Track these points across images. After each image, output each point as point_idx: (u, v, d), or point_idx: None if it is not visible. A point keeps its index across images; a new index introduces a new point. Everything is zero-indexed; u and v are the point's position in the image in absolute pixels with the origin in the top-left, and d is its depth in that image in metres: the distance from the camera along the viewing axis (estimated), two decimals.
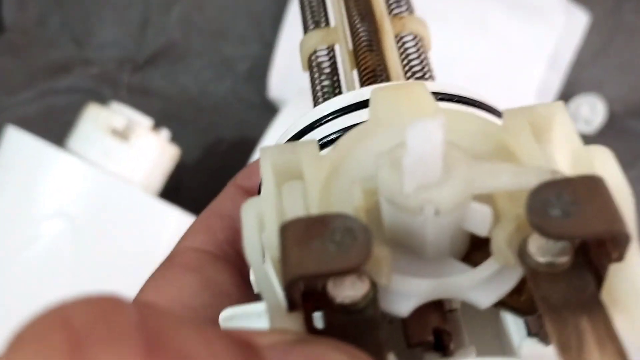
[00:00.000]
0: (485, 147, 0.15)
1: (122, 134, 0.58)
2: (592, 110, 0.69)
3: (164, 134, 0.61)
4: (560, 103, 0.16)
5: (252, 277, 0.18)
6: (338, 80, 0.24)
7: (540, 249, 0.13)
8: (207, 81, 0.70)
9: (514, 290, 0.14)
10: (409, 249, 0.14)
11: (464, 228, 0.14)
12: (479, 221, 0.14)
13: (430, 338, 0.14)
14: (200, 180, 0.69)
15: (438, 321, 0.14)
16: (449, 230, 0.14)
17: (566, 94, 0.70)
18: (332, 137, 0.20)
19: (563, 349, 0.11)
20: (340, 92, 0.24)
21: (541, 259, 0.13)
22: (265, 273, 0.14)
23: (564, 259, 0.13)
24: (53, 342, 0.09)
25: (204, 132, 0.71)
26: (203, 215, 0.24)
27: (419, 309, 0.14)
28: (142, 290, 0.21)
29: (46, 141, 0.57)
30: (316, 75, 0.25)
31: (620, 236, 0.12)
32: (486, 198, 0.14)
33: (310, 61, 0.25)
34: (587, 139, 0.69)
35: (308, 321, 0.14)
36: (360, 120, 0.19)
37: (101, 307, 0.09)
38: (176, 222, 0.60)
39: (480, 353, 0.16)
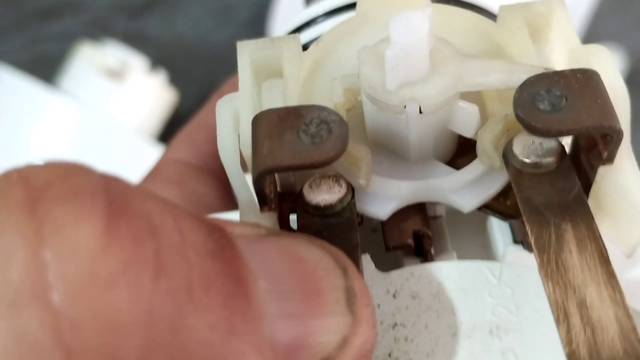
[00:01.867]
0: (478, 47, 0.15)
1: (117, 75, 0.56)
2: None
3: (161, 76, 0.58)
4: (560, 0, 0.15)
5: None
6: None
7: (525, 149, 0.12)
8: (206, 29, 0.67)
9: (500, 194, 0.13)
10: (391, 151, 0.14)
11: (450, 129, 0.13)
12: (466, 121, 0.13)
13: (410, 241, 0.14)
14: None
15: (419, 224, 0.14)
16: (433, 130, 0.13)
17: None
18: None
19: (540, 248, 0.11)
20: None
21: (526, 159, 0.12)
22: (239, 173, 0.13)
23: (550, 160, 0.12)
24: (10, 196, 0.08)
25: (202, 82, 0.67)
26: (187, 128, 0.23)
27: (400, 212, 0.14)
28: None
29: (37, 81, 0.54)
30: None
31: (611, 132, 0.11)
32: (475, 99, 0.13)
33: None
34: None
35: (283, 222, 0.13)
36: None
37: (63, 169, 0.09)
38: None
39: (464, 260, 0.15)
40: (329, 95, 0.14)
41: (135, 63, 0.56)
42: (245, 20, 0.68)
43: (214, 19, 0.68)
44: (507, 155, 0.13)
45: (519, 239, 0.15)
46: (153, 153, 0.55)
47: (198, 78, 0.69)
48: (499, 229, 0.16)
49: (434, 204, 0.15)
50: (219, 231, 0.10)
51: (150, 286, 0.08)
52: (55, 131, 0.55)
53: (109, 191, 0.09)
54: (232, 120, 0.14)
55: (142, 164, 0.59)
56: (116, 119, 0.55)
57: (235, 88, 0.23)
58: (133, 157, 0.56)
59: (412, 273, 0.13)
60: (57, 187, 0.08)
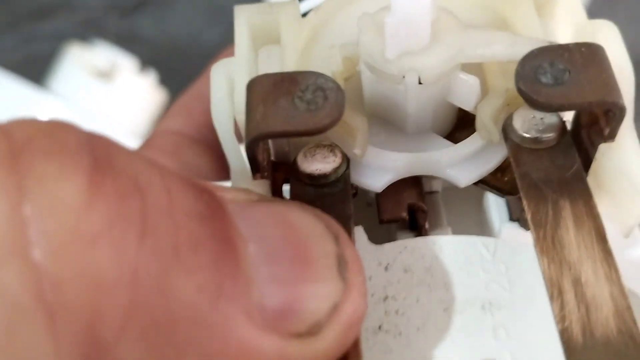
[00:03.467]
0: (481, 19, 0.14)
1: (106, 75, 0.55)
2: None
3: (151, 77, 0.57)
4: None
5: None
6: None
7: (525, 123, 0.12)
8: (199, 29, 0.66)
9: (497, 170, 0.13)
10: (389, 122, 0.14)
11: (449, 101, 0.13)
12: (466, 93, 0.13)
13: (404, 215, 0.13)
14: None
15: (414, 198, 0.14)
16: (432, 102, 0.13)
17: None
18: None
19: (537, 224, 0.11)
20: None
21: (526, 134, 0.12)
22: (232, 139, 0.13)
23: (550, 135, 0.12)
24: None
25: (194, 80, 0.69)
26: (183, 98, 0.23)
27: (395, 185, 0.13)
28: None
29: (27, 81, 0.54)
30: None
31: (614, 108, 0.11)
32: (476, 72, 0.13)
33: None
34: None
35: (275, 192, 0.13)
36: None
37: (48, 125, 0.09)
38: None
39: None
40: (327, 64, 0.13)
41: (125, 63, 0.56)
42: None
43: (205, 19, 0.67)
44: (506, 130, 0.12)
45: (515, 217, 0.15)
46: None
47: (189, 78, 0.68)
48: (495, 206, 0.15)
49: (430, 178, 0.14)
50: (208, 194, 0.10)
51: (135, 245, 0.08)
52: None
53: (94, 148, 0.09)
54: (226, 85, 0.13)
55: None
56: (105, 120, 0.55)
57: (232, 56, 0.23)
58: None
59: (405, 246, 0.12)
60: (41, 142, 0.08)
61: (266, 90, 0.11)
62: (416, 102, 0.13)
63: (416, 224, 0.14)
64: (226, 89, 0.13)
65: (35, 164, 0.08)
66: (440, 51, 0.12)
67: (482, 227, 0.16)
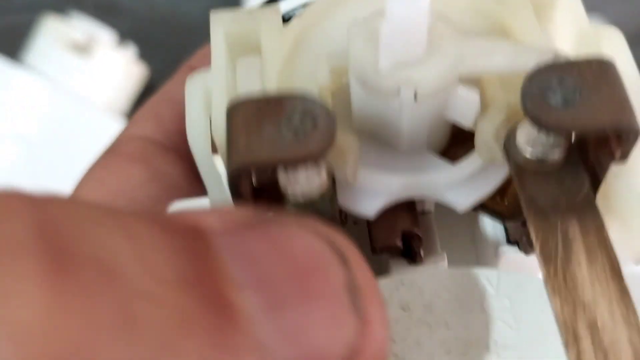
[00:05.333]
0: (478, 25, 0.13)
1: (84, 49, 0.53)
2: None
3: (130, 50, 0.55)
4: None
5: None
6: None
7: (529, 142, 0.11)
8: None
9: (497, 192, 0.12)
10: (380, 139, 0.12)
11: (446, 117, 0.12)
12: (464, 109, 0.12)
13: (399, 243, 0.12)
14: None
15: (408, 224, 0.12)
16: (428, 119, 0.12)
17: None
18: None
19: (547, 259, 0.10)
20: None
21: (530, 155, 0.11)
22: (210, 159, 0.12)
23: (556, 155, 0.11)
24: None
25: (176, 55, 0.66)
26: (152, 101, 0.22)
27: (388, 209, 0.12)
28: (80, 184, 0.19)
29: (1, 56, 0.51)
30: None
31: (628, 131, 0.10)
32: (474, 84, 0.12)
33: None
34: None
35: None
36: None
37: None
38: None
39: (454, 260, 0.14)
40: (312, 76, 0.12)
41: (102, 37, 0.54)
42: None
43: None
44: (508, 149, 0.11)
45: (514, 239, 0.14)
46: (121, 130, 0.55)
47: (170, 51, 0.65)
48: (491, 226, 0.14)
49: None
50: (190, 239, 0.08)
51: (120, 351, 0.07)
52: (20, 109, 0.52)
53: (46, 232, 0.07)
54: (203, 101, 0.12)
55: (110, 141, 0.57)
56: (83, 96, 0.53)
57: (206, 60, 0.21)
58: (101, 136, 0.54)
59: (402, 281, 0.11)
60: None
61: (249, 116, 0.10)
62: (411, 119, 0.12)
63: (410, 251, 0.13)
64: (202, 106, 0.12)
65: None
66: (438, 62, 0.11)
67: (476, 248, 0.15)
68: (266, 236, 0.09)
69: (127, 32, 0.58)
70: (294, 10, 0.17)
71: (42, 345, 0.06)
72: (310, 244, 0.09)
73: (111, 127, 0.52)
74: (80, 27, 0.53)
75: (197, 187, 0.19)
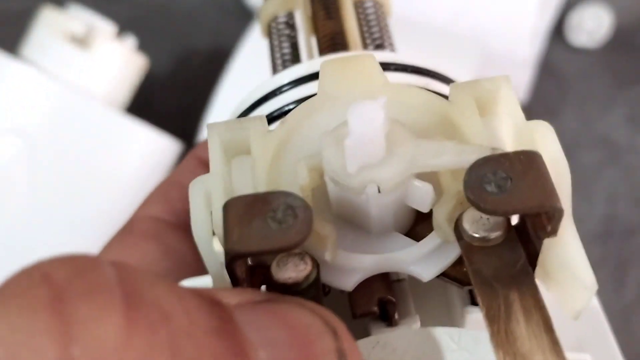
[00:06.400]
0: (430, 121, 0.16)
1: (82, 41, 0.51)
2: (597, 21, 0.63)
3: (130, 41, 0.54)
4: (506, 77, 0.16)
5: None
6: (297, 48, 0.24)
7: (474, 224, 0.13)
8: None
9: (457, 262, 0.15)
10: (355, 224, 0.15)
11: (407, 204, 0.14)
12: (421, 198, 0.14)
13: (375, 309, 0.15)
14: (172, 94, 0.63)
15: (383, 291, 0.15)
16: (392, 207, 0.14)
17: (570, 3, 0.65)
18: (286, 108, 0.20)
19: (491, 319, 0.12)
20: (297, 59, 0.24)
21: (475, 234, 0.13)
22: (212, 251, 0.14)
23: (497, 234, 0.13)
24: (35, 296, 0.09)
25: (176, 42, 0.64)
26: (162, 185, 0.24)
27: (365, 280, 0.15)
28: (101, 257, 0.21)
29: None
30: (275, 43, 0.25)
31: (553, 211, 0.12)
32: (429, 175, 0.14)
33: (269, 28, 0.25)
34: (590, 54, 0.63)
35: None
36: (314, 91, 0.19)
37: (79, 263, 0.10)
38: (144, 139, 0.53)
39: (429, 321, 0.16)
40: (295, 176, 0.15)
41: (101, 28, 0.52)
42: None
43: None
44: (458, 230, 0.14)
45: (476, 302, 0.16)
46: (121, 123, 0.52)
47: (170, 37, 0.63)
48: (457, 291, 0.17)
49: None
50: (218, 307, 0.11)
51: None
52: (18, 101, 0.51)
53: (123, 282, 0.10)
54: (204, 201, 0.14)
55: (110, 136, 0.53)
56: (82, 88, 0.52)
57: (207, 150, 0.24)
58: (100, 129, 0.52)
59: (378, 341, 0.13)
60: (77, 285, 0.09)
61: (241, 211, 0.13)
62: (378, 208, 0.14)
63: (386, 315, 0.15)
64: (204, 205, 0.14)
65: (76, 308, 0.09)
66: (395, 163, 0.14)
67: (447, 309, 0.17)
68: (272, 311, 0.11)
69: (126, 21, 0.57)
70: (285, 106, 0.19)
71: (114, 353, 0.09)
72: (308, 318, 0.11)
73: (110, 119, 0.52)
74: (78, 18, 0.52)
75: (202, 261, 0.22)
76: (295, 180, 0.15)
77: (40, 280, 0.09)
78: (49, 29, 0.51)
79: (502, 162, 0.13)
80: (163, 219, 0.23)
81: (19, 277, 0.09)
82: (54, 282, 0.09)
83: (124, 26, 0.55)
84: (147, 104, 0.60)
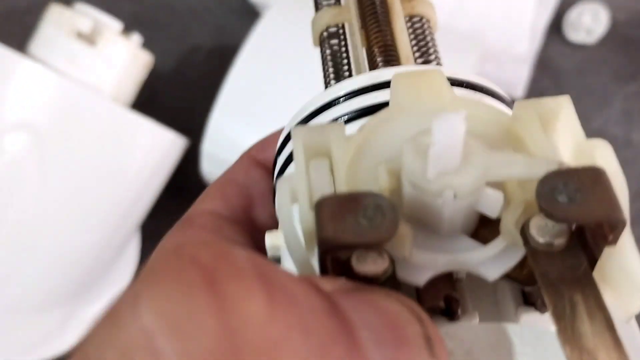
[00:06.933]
0: (496, 134, 0.17)
1: (89, 38, 0.52)
2: (595, 18, 0.65)
3: (135, 38, 0.55)
4: (567, 97, 0.17)
5: (267, 243, 0.19)
6: (348, 58, 0.26)
7: (540, 230, 0.15)
8: None
9: (517, 265, 0.16)
10: (425, 225, 0.16)
11: (477, 209, 0.16)
12: (491, 204, 0.15)
13: (442, 304, 0.16)
14: (177, 90, 0.64)
15: (449, 289, 0.16)
16: (463, 211, 0.15)
17: (569, 0, 0.66)
18: (347, 116, 0.21)
19: (558, 317, 0.13)
20: (349, 70, 0.25)
21: (541, 240, 0.14)
22: (300, 247, 0.15)
23: (561, 240, 0.14)
24: (190, 276, 0.11)
25: (180, 39, 0.65)
26: (218, 182, 0.25)
27: (432, 278, 0.16)
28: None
29: (5, 46, 0.51)
30: (327, 52, 0.26)
31: (617, 222, 0.14)
32: (497, 183, 0.16)
33: (321, 38, 0.26)
34: (588, 50, 0.65)
35: None
36: (375, 101, 0.20)
37: (217, 250, 0.11)
38: (149, 134, 0.54)
39: (481, 319, 0.18)
40: (371, 177, 0.16)
41: (108, 25, 0.53)
42: None
43: None
44: (524, 235, 0.15)
45: (531, 301, 0.17)
46: (127, 119, 0.53)
47: (175, 34, 0.64)
48: (510, 290, 0.18)
49: None
50: (322, 290, 0.12)
51: (300, 342, 0.11)
52: (26, 98, 0.51)
53: (256, 267, 0.11)
54: (290, 198, 0.16)
55: (116, 131, 0.54)
56: (89, 85, 0.52)
57: (262, 149, 0.25)
58: (107, 124, 0.53)
59: (446, 332, 0.15)
60: (223, 268, 0.11)
61: (333, 209, 0.14)
62: (451, 212, 0.15)
63: (449, 311, 0.16)
64: (290, 201, 0.16)
65: (228, 286, 0.11)
66: (470, 172, 0.15)
67: (498, 309, 0.18)
68: (365, 298, 0.13)
69: (131, 18, 0.57)
70: (346, 114, 0.21)
71: (263, 327, 0.10)
72: (396, 306, 0.12)
73: (117, 115, 0.53)
74: (85, 15, 0.53)
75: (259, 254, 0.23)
76: (372, 182, 0.16)
77: (190, 262, 0.11)
78: (56, 26, 0.52)
79: (572, 175, 0.14)
80: (220, 214, 0.24)
81: (167, 259, 0.11)
82: (203, 265, 0.11)
83: (130, 23, 0.56)
84: (152, 100, 0.61)
